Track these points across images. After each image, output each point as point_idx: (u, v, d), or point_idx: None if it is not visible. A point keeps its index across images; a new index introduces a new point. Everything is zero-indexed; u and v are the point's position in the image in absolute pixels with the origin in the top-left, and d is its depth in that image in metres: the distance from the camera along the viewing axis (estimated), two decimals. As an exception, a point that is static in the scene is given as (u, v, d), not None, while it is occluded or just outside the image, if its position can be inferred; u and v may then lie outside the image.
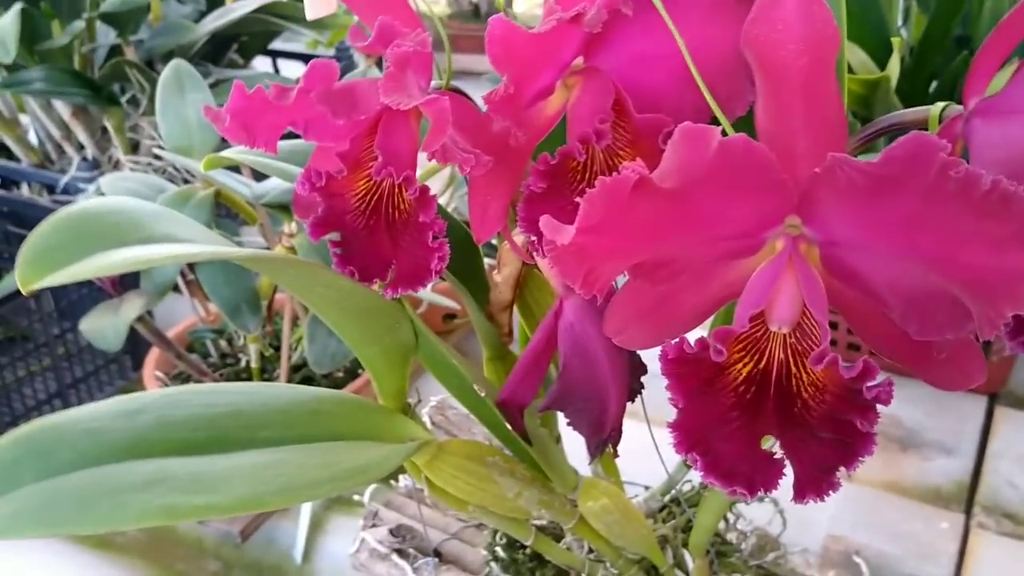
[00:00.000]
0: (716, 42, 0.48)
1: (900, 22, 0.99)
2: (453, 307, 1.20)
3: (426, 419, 0.88)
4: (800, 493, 0.41)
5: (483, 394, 0.58)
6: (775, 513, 0.78)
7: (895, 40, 0.79)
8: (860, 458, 0.39)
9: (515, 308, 0.65)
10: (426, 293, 1.14)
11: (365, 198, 0.52)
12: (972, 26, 1.08)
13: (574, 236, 0.36)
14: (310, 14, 0.50)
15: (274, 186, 0.87)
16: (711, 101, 0.45)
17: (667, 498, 0.76)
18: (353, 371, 1.11)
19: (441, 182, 1.21)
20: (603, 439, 0.55)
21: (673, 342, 0.39)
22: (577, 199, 0.48)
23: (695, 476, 0.78)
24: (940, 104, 0.45)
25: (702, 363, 0.39)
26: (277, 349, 1.09)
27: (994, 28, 0.42)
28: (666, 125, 0.48)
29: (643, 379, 0.58)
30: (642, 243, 0.39)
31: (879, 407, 0.38)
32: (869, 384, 0.36)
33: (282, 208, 0.88)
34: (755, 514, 0.82)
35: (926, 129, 0.46)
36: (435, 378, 0.63)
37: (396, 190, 0.51)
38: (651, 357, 0.47)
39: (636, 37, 0.50)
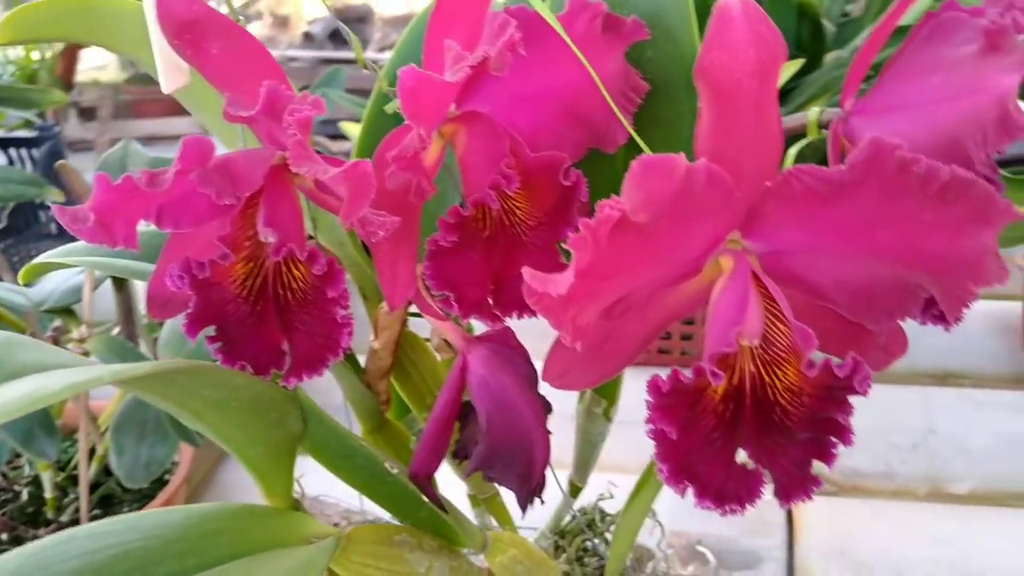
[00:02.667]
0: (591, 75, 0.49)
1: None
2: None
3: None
4: (786, 496, 0.41)
5: (395, 471, 0.55)
6: (654, 524, 0.79)
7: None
8: (837, 450, 0.41)
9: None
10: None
11: (246, 282, 0.47)
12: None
13: (570, 285, 0.35)
14: (166, 87, 0.44)
15: (54, 288, 0.76)
16: (629, 128, 0.45)
17: (555, 535, 0.75)
18: (159, 478, 1.00)
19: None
20: (532, 489, 0.54)
21: (666, 377, 0.38)
22: (479, 248, 0.48)
23: (577, 506, 0.78)
24: (816, 108, 0.48)
25: (688, 391, 0.39)
26: (63, 471, 0.96)
27: (867, 39, 0.45)
28: (562, 162, 0.47)
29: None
30: (619, 281, 0.38)
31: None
32: (859, 378, 0.38)
33: (66, 312, 0.78)
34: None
35: (804, 135, 0.49)
36: (321, 464, 0.58)
37: (285, 268, 0.47)
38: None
39: (510, 77, 0.49)
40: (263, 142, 0.46)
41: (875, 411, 1.27)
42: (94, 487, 0.94)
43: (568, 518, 0.77)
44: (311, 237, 0.58)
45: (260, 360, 0.47)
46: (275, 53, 0.48)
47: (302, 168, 0.39)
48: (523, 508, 0.54)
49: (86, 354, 0.79)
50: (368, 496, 0.60)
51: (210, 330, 0.47)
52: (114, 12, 0.48)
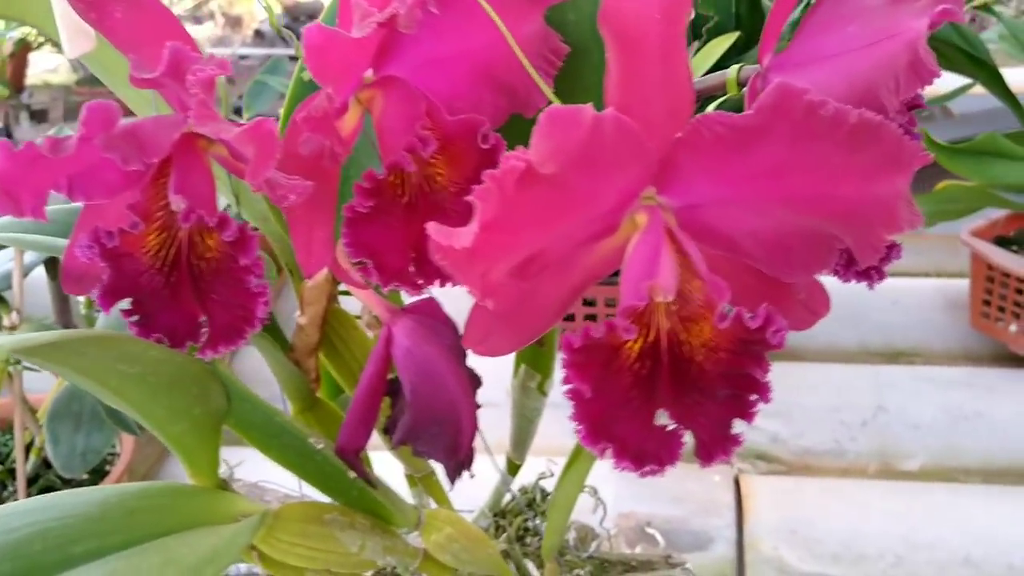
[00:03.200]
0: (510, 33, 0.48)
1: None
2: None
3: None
4: (707, 456, 0.41)
5: (320, 446, 0.54)
6: (596, 503, 0.79)
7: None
8: (757, 407, 0.40)
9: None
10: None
11: (160, 253, 0.46)
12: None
13: (473, 237, 0.34)
14: (70, 52, 0.43)
15: (-21, 275, 0.74)
16: (546, 90, 0.44)
17: (494, 513, 0.75)
18: (99, 470, 0.98)
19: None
20: (460, 461, 0.53)
21: (577, 333, 0.38)
22: (398, 214, 0.47)
23: (515, 487, 0.78)
24: (735, 66, 0.47)
25: (602, 347, 0.38)
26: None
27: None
28: (481, 124, 0.46)
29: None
30: (530, 236, 0.37)
31: (768, 354, 0.39)
32: (772, 331, 0.37)
33: (-6, 299, 0.76)
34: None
35: (725, 92, 0.48)
36: (248, 442, 0.57)
37: (198, 237, 0.46)
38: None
39: (425, 41, 0.48)
40: (173, 107, 0.45)
41: (825, 390, 1.28)
42: (33, 480, 0.92)
43: (508, 498, 0.76)
44: (238, 216, 0.57)
45: (176, 332, 0.46)
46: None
47: (204, 128, 0.38)
48: (452, 480, 0.53)
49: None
50: (298, 475, 0.59)
51: (125, 303, 0.46)
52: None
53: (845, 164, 0.35)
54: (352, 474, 0.55)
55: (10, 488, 0.93)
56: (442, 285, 0.48)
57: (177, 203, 0.43)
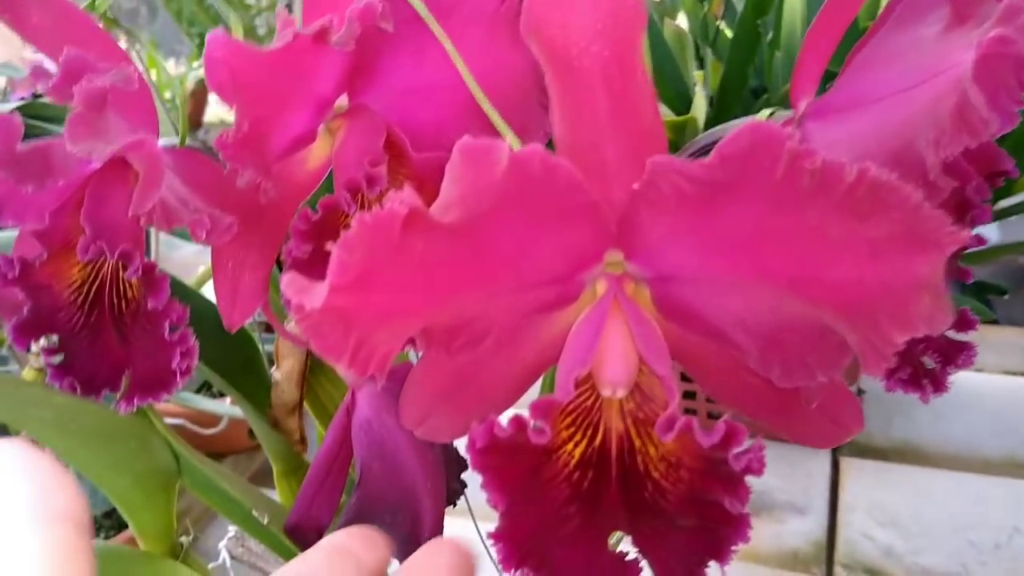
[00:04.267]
0: (500, 67, 0.41)
1: (697, 69, 0.96)
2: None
3: (224, 554, 0.75)
4: (666, 601, 0.31)
5: (265, 521, 0.47)
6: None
7: (698, 74, 0.75)
8: (733, 546, 0.31)
9: (306, 409, 0.54)
10: (224, 406, 1.00)
11: (81, 289, 0.41)
12: (766, 76, 1.07)
13: (328, 296, 0.26)
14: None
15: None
16: (503, 128, 0.37)
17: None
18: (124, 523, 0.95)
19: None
20: (420, 557, 0.45)
21: (478, 427, 0.29)
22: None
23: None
24: (766, 111, 0.38)
25: (522, 448, 0.30)
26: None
27: (813, 22, 0.36)
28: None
29: (465, 475, 0.48)
30: (425, 298, 0.29)
31: (749, 479, 0.30)
32: (736, 451, 0.28)
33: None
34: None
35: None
36: (211, 506, 0.51)
37: (120, 274, 0.40)
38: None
39: (406, 67, 0.42)
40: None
41: (956, 502, 1.11)
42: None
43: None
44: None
45: (92, 379, 0.41)
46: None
47: (73, 147, 0.32)
48: (408, 580, 0.45)
49: (42, 371, 0.75)
50: (266, 546, 0.52)
51: (48, 340, 0.41)
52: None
53: (841, 237, 0.26)
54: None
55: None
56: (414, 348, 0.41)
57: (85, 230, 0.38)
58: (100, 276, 0.40)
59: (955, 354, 0.38)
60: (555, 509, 0.31)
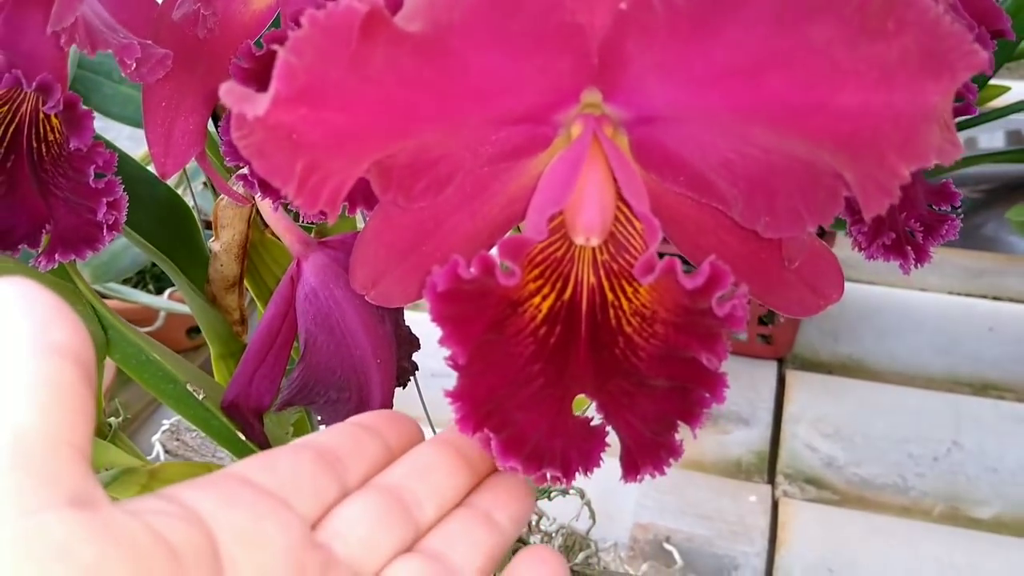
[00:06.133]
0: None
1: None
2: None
3: (157, 447, 0.72)
4: (631, 468, 0.30)
5: (201, 397, 0.44)
6: (582, 506, 0.67)
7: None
8: (706, 407, 0.29)
9: (246, 287, 0.51)
10: (162, 300, 0.96)
11: (-2, 131, 0.37)
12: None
13: (272, 106, 0.23)
14: None
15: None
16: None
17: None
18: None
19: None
20: (368, 436, 0.42)
21: (441, 269, 0.27)
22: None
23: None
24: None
25: (488, 296, 0.27)
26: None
27: None
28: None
29: (416, 357, 0.46)
30: (384, 121, 0.26)
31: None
32: (719, 295, 0.26)
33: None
34: (558, 510, 0.71)
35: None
36: (142, 385, 0.48)
37: (39, 113, 0.36)
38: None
39: None
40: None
41: (897, 416, 1.13)
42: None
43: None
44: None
45: (9, 232, 0.37)
46: None
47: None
48: (354, 460, 0.43)
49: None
50: (200, 428, 0.50)
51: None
52: None
53: (852, 58, 0.23)
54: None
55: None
56: (367, 209, 0.38)
57: (-2, 60, 0.33)
58: (17, 115, 0.36)
59: (938, 225, 0.36)
60: (518, 367, 0.29)
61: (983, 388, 1.15)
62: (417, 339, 0.45)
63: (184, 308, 1.00)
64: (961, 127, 0.34)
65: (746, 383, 1.13)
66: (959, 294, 1.30)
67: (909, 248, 0.35)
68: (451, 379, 0.28)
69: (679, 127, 0.28)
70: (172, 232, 0.48)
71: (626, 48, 0.27)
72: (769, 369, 1.15)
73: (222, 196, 0.46)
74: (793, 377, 1.15)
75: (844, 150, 0.25)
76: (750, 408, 1.11)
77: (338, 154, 0.26)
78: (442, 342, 0.28)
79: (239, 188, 0.42)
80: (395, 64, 0.25)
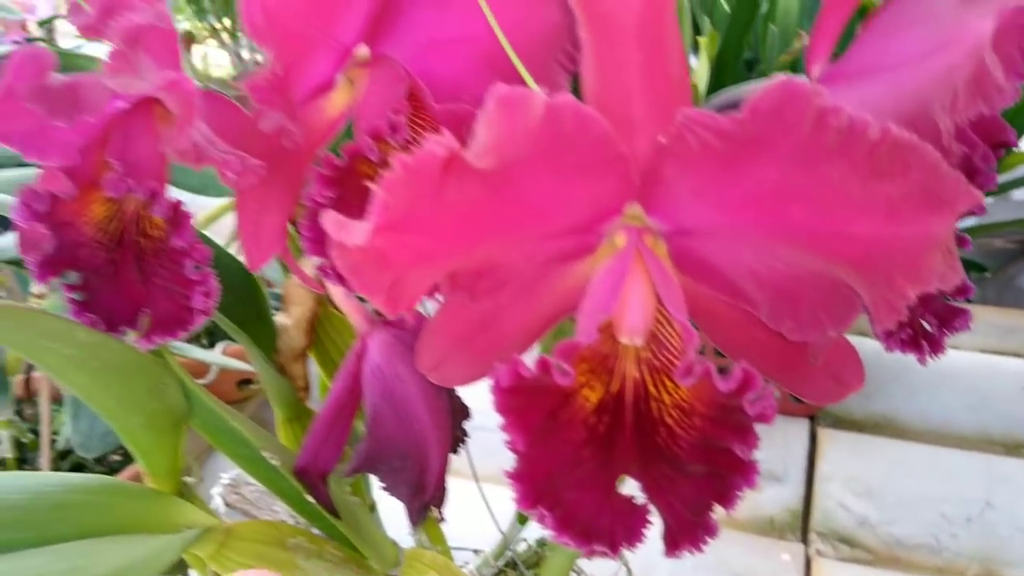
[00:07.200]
0: (523, 25, 0.42)
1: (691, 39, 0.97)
2: (249, 371, 1.07)
3: (217, 500, 0.76)
4: (672, 544, 0.33)
5: (277, 463, 0.48)
6: (620, 565, 0.70)
7: (703, 39, 0.75)
8: (739, 492, 0.32)
9: (310, 356, 0.55)
10: (215, 356, 1.01)
11: (105, 226, 0.41)
12: (760, 49, 1.08)
13: (371, 235, 0.27)
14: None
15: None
16: (530, 81, 0.37)
17: (501, 562, 0.67)
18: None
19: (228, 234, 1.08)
20: (425, 501, 0.46)
21: (504, 367, 0.30)
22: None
23: (530, 533, 0.70)
24: (781, 75, 0.39)
25: (544, 391, 0.31)
26: (37, 434, 0.92)
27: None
28: (472, 115, 0.40)
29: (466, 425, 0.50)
30: (457, 242, 0.30)
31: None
32: (751, 397, 0.29)
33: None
34: (597, 566, 0.74)
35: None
36: (217, 448, 0.52)
37: (144, 212, 0.41)
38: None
39: (428, 18, 0.42)
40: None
41: (929, 475, 1.14)
42: (65, 454, 0.90)
43: (523, 547, 0.69)
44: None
45: (113, 316, 0.42)
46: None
47: (112, 82, 0.33)
48: (413, 522, 0.47)
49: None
50: (270, 489, 0.54)
51: (70, 277, 0.42)
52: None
53: (862, 194, 0.27)
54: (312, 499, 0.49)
55: (33, 462, 0.92)
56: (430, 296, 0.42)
57: (112, 168, 0.38)
58: (123, 214, 0.41)
59: (952, 318, 0.39)
60: (571, 452, 0.33)
61: (1016, 447, 1.17)
62: (468, 409, 0.49)
63: (234, 362, 1.05)
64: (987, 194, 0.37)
65: (779, 440, 1.16)
66: (991, 352, 1.32)
67: (925, 342, 0.38)
68: (492, 432, 0.32)
69: (711, 239, 0.32)
70: (245, 307, 0.52)
71: (665, 173, 0.31)
72: (801, 427, 1.18)
73: (292, 275, 0.50)
74: (825, 435, 1.17)
75: (858, 271, 0.29)
76: (783, 466, 1.13)
77: (419, 270, 0.30)
78: (504, 429, 0.31)
79: (310, 270, 0.46)
80: (467, 194, 0.29)
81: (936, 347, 0.38)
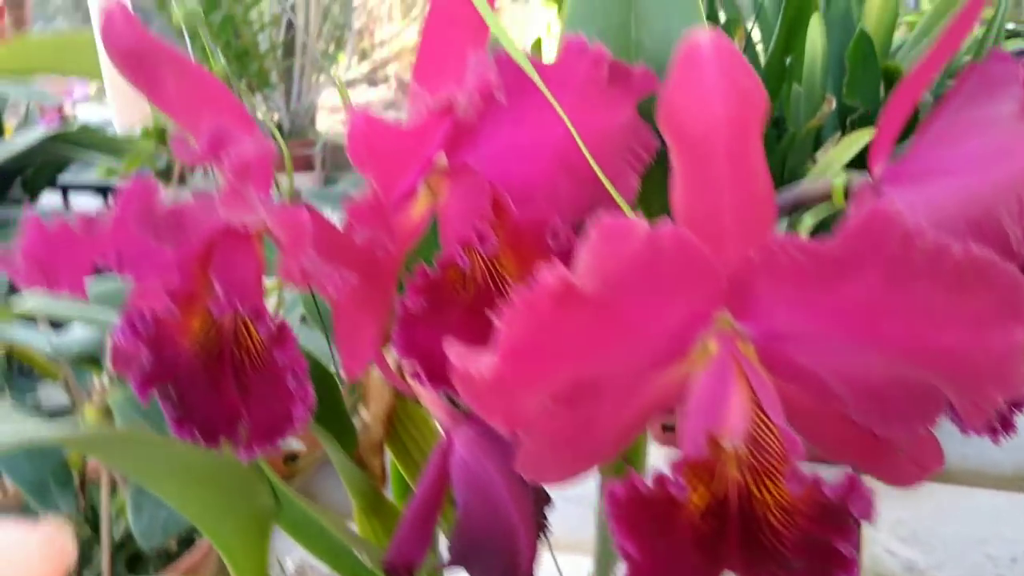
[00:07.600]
0: (591, 128, 0.44)
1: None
2: (294, 448, 1.09)
3: (286, 583, 0.77)
4: (779, 637, 0.34)
5: (367, 560, 0.49)
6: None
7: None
8: (839, 584, 0.34)
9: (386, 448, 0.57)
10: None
11: (203, 341, 0.43)
12: (785, 108, 1.10)
13: (496, 366, 0.29)
14: (120, 124, 0.41)
15: (80, 336, 0.75)
16: (611, 189, 0.40)
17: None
18: (188, 539, 0.97)
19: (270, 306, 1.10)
20: (516, 592, 0.47)
21: (622, 483, 0.32)
22: (459, 315, 0.43)
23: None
24: (842, 175, 0.41)
25: (656, 501, 0.33)
26: (93, 526, 0.94)
27: (896, 88, 0.39)
28: (551, 221, 0.42)
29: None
30: (567, 363, 0.32)
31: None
32: (854, 500, 0.31)
33: (91, 361, 0.76)
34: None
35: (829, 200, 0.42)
36: (299, 544, 0.53)
37: (242, 327, 0.43)
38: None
39: (503, 127, 0.45)
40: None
41: (973, 518, 1.15)
42: (121, 545, 0.92)
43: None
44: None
45: (212, 429, 0.43)
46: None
47: (229, 214, 0.35)
48: (506, 612, 0.48)
49: (107, 409, 0.77)
50: (351, 581, 0.55)
51: (166, 391, 0.44)
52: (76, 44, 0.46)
53: (948, 310, 0.29)
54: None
55: (98, 550, 0.93)
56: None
57: (217, 289, 0.40)
58: (221, 330, 0.43)
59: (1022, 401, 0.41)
60: (680, 555, 0.34)
61: (1057, 485, 1.17)
62: (549, 496, 0.51)
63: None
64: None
65: (821, 489, 1.16)
66: None
67: (997, 424, 0.40)
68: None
69: (799, 344, 0.34)
70: (324, 404, 0.54)
71: (754, 286, 0.33)
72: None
73: (373, 372, 0.52)
74: (868, 481, 1.18)
75: (947, 380, 0.30)
76: (828, 514, 1.13)
77: (533, 392, 0.32)
78: (619, 538, 0.33)
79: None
80: (577, 319, 0.31)
81: (1008, 427, 0.40)
